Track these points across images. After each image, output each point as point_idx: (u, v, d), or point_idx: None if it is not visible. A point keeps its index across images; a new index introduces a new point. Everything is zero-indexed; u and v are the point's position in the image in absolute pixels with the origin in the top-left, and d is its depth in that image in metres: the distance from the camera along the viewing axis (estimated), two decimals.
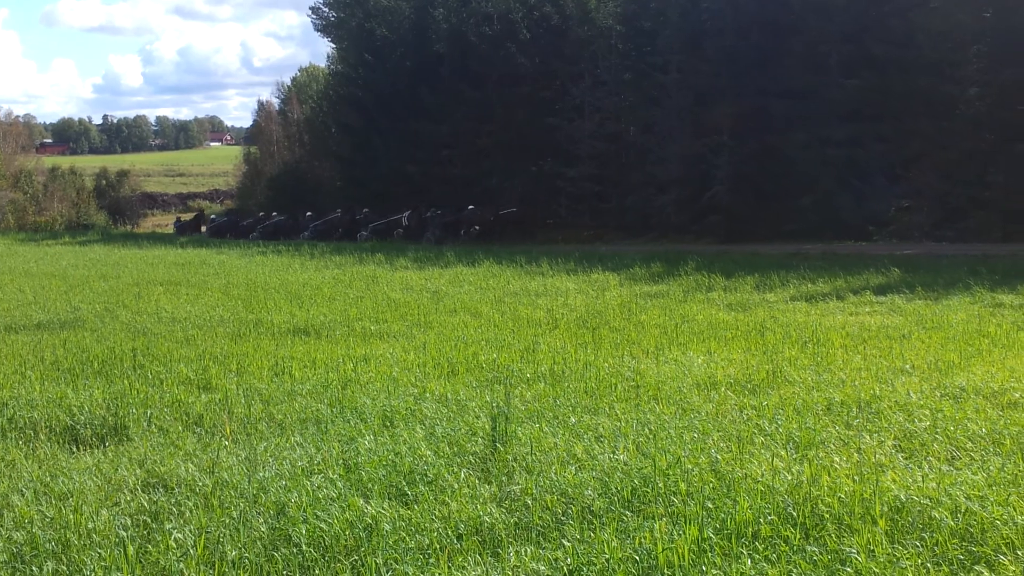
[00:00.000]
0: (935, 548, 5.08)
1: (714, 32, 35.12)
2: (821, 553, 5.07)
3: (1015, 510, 5.37)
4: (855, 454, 6.71)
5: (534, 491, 6.26)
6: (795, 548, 5.16)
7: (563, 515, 5.93)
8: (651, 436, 7.49)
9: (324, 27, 55.56)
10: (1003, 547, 5.00)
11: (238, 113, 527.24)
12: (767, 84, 33.53)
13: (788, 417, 7.98)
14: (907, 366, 10.37)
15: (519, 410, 8.62)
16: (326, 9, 54.74)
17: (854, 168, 31.62)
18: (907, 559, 4.93)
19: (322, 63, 71.64)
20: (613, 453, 7.06)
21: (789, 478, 6.16)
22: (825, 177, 31.86)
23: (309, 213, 48.81)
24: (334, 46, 57.22)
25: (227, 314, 16.69)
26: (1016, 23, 29.36)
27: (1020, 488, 5.76)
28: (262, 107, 73.66)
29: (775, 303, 17.24)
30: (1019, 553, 4.93)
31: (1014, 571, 4.73)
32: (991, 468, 6.29)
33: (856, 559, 4.95)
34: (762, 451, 6.94)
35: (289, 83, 73.40)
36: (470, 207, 40.73)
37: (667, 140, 36.43)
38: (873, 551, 5.03)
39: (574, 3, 41.15)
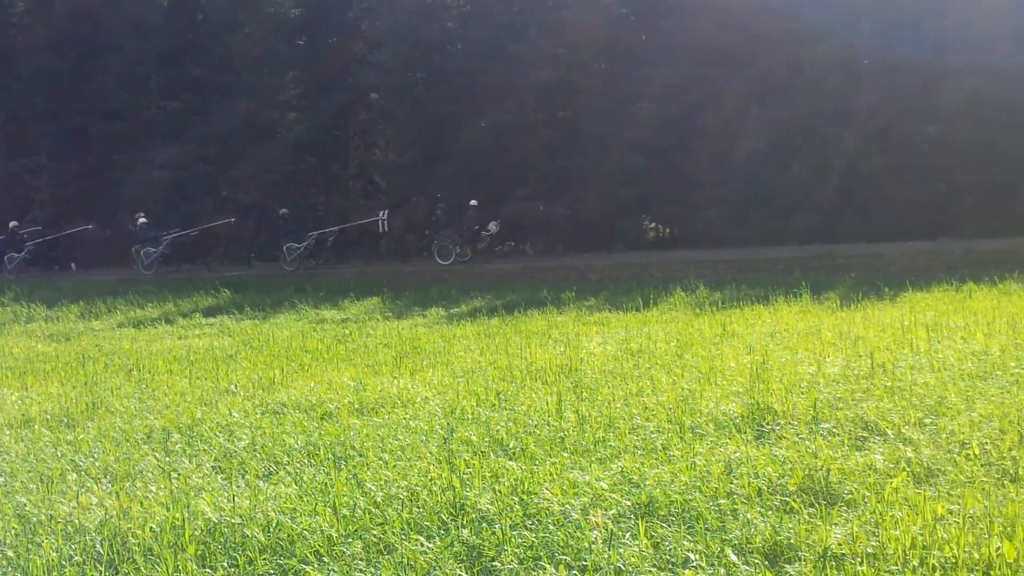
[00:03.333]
0: (247, 566, 5.06)
1: (26, 49, 33.41)
2: None
3: (322, 518, 5.53)
4: (171, 480, 6.54)
5: None
6: None
7: None
8: None
9: None
10: (310, 556, 5.11)
11: None
12: (86, 104, 32.61)
13: (106, 450, 7.60)
14: (232, 386, 10.43)
15: None
16: None
17: (180, 189, 31.63)
18: None
19: None
20: None
21: (100, 514, 5.83)
22: (153, 199, 31.31)
23: (142, 220, 29.17)
24: None
25: None
26: (327, 52, 31.45)
27: (329, 496, 5.94)
28: None
29: (101, 331, 16.63)
30: (325, 560, 5.06)
31: None
32: (304, 479, 6.45)
33: None
34: (74, 488, 6.51)
35: None
36: (472, 202, 26.40)
37: None
38: None
39: None
